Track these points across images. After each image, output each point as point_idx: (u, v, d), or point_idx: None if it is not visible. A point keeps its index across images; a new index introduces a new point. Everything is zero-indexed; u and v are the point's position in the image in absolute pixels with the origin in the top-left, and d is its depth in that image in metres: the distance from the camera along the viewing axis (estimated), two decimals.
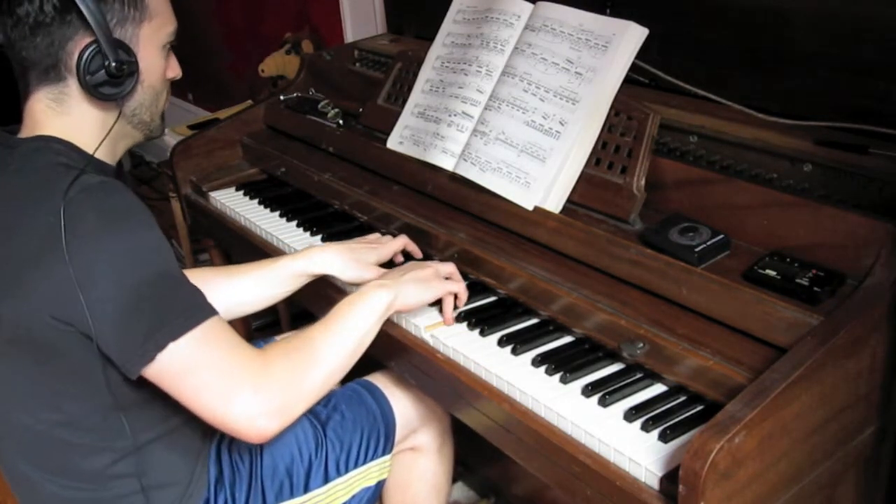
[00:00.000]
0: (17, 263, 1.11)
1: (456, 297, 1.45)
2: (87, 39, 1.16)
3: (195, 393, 1.12)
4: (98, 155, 1.23)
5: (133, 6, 1.20)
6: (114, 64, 1.17)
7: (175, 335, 1.10)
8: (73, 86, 1.20)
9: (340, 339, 1.26)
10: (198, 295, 1.15)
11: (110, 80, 1.18)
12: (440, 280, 1.41)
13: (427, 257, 1.62)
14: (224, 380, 1.12)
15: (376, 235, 1.61)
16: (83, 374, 1.15)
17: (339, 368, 1.25)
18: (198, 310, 1.13)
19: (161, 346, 1.09)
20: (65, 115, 1.21)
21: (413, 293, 1.36)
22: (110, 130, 1.24)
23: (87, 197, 1.10)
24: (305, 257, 1.49)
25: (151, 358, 1.09)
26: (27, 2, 1.14)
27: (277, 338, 1.69)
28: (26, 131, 1.23)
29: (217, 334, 1.14)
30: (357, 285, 1.43)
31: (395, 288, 1.34)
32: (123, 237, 1.10)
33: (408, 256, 1.60)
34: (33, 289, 1.10)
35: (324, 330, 1.26)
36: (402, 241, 1.56)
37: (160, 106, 1.30)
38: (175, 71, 1.31)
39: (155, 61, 1.26)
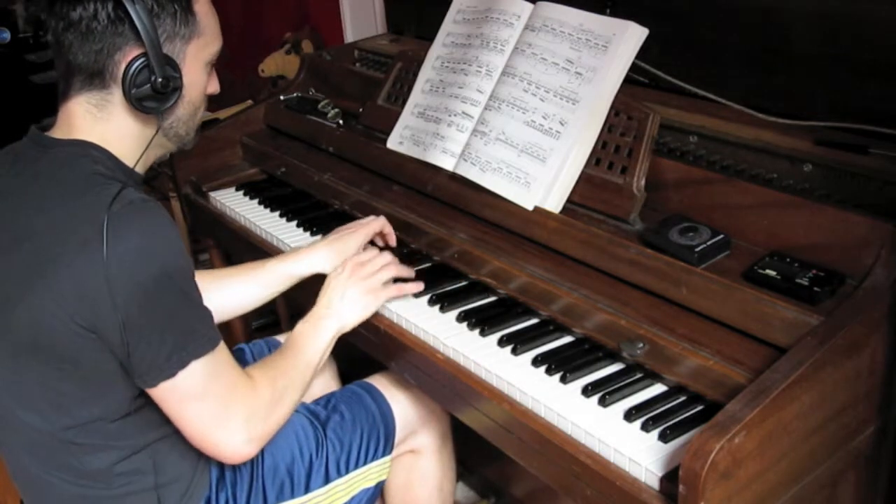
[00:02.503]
0: (45, 267, 1.11)
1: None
2: (136, 51, 1.17)
3: (194, 416, 1.19)
4: (132, 164, 1.24)
5: (184, 23, 1.20)
6: (160, 80, 1.17)
7: (199, 355, 1.15)
8: (116, 94, 1.19)
9: (305, 368, 1.36)
10: (211, 317, 1.20)
11: (155, 94, 1.19)
12: (378, 290, 1.47)
13: (427, 257, 1.63)
14: (223, 408, 1.20)
15: (365, 218, 1.65)
16: (95, 380, 1.16)
17: (304, 392, 1.36)
18: (215, 333, 1.19)
19: (185, 364, 1.14)
20: (104, 122, 1.21)
21: (357, 314, 1.45)
22: (149, 144, 1.25)
23: (128, 213, 1.11)
24: (293, 259, 1.57)
25: (173, 374, 1.14)
26: (81, 7, 1.14)
27: (279, 337, 1.70)
28: (61, 132, 1.22)
29: (225, 360, 1.21)
30: None
31: (341, 316, 1.43)
32: (158, 258, 1.12)
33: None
34: (62, 294, 1.10)
35: (293, 360, 1.35)
36: (381, 223, 1.62)
37: (197, 120, 1.31)
38: (214, 87, 1.32)
39: (198, 78, 1.26)
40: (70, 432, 1.20)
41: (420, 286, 1.50)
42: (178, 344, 1.13)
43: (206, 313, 1.19)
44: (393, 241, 1.65)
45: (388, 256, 1.52)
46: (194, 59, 1.24)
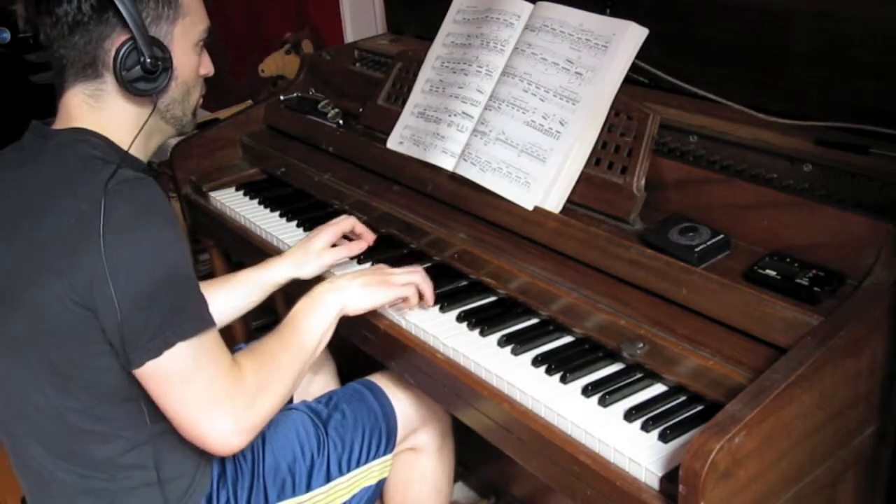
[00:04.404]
0: (47, 248, 1.14)
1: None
2: (124, 37, 1.20)
3: (178, 400, 1.17)
4: (131, 151, 1.26)
5: (167, 4, 1.23)
6: (149, 60, 1.20)
7: (185, 336, 1.14)
8: (109, 82, 1.23)
9: (299, 350, 1.32)
10: (205, 302, 1.20)
11: (145, 75, 1.22)
12: (391, 285, 1.42)
13: (427, 257, 1.63)
14: (209, 394, 1.17)
15: (336, 218, 1.64)
16: (97, 363, 1.17)
17: (301, 376, 1.32)
18: (206, 316, 1.18)
19: (170, 344, 1.13)
20: (100, 111, 1.24)
21: (362, 297, 1.39)
22: (144, 124, 1.27)
23: (123, 189, 1.13)
24: (265, 270, 1.57)
25: (158, 353, 1.13)
26: (66, 2, 1.18)
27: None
28: (60, 124, 1.25)
29: (213, 345, 1.19)
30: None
31: (345, 292, 1.38)
32: (153, 233, 1.14)
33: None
34: (61, 273, 1.12)
35: (285, 341, 1.32)
36: (350, 223, 1.61)
37: (192, 102, 1.34)
38: (207, 68, 1.35)
39: (188, 58, 1.29)
40: (76, 416, 1.20)
41: (432, 302, 1.45)
42: (165, 323, 1.13)
43: (198, 295, 1.19)
44: (370, 240, 1.62)
45: (420, 277, 1.47)
46: (182, 39, 1.26)
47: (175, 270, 1.15)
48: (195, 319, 1.16)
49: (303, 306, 1.36)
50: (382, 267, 1.47)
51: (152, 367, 1.14)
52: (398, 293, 1.42)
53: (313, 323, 1.34)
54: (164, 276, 1.13)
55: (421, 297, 1.45)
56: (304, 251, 1.57)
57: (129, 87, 1.21)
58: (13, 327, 1.18)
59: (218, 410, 1.18)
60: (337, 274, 1.57)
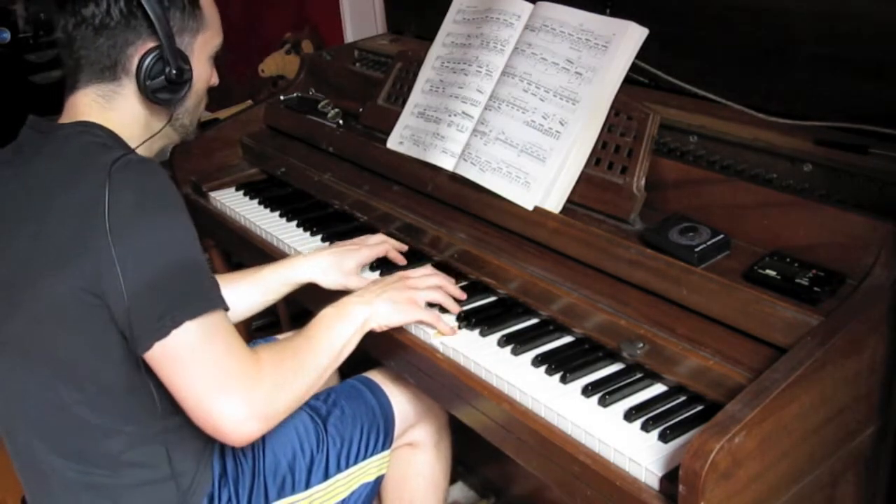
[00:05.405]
0: (56, 238, 1.14)
1: (454, 297, 1.47)
2: (149, 45, 1.20)
3: (191, 382, 1.14)
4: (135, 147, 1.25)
5: (192, 17, 1.25)
6: (174, 71, 1.21)
7: (193, 315, 1.12)
8: (127, 86, 1.23)
9: (322, 352, 1.30)
10: (216, 284, 1.19)
11: (168, 85, 1.23)
12: (415, 306, 1.40)
13: (427, 258, 1.63)
14: (221, 375, 1.14)
15: (373, 237, 1.63)
16: (104, 353, 1.16)
17: (320, 378, 1.29)
18: (216, 297, 1.17)
19: (178, 323, 1.11)
20: (110, 111, 1.24)
21: (387, 314, 1.38)
22: (159, 132, 1.28)
23: (128, 173, 1.13)
24: (289, 266, 1.56)
25: (166, 333, 1.11)
26: (93, 3, 1.18)
27: (279, 336, 1.70)
28: (65, 119, 1.25)
29: (225, 327, 1.17)
30: (340, 292, 1.47)
31: (372, 306, 1.37)
32: (160, 217, 1.14)
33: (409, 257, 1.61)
34: (69, 262, 1.12)
35: (308, 342, 1.30)
36: (386, 248, 1.59)
37: (200, 111, 1.36)
38: (215, 79, 1.37)
39: (204, 71, 1.31)
40: (81, 409, 1.20)
41: (455, 331, 1.42)
42: (172, 303, 1.11)
43: (208, 277, 1.18)
44: (402, 262, 1.61)
45: (440, 280, 1.47)
46: (201, 51, 1.28)
47: (183, 254, 1.15)
48: (204, 299, 1.14)
49: (330, 312, 1.35)
50: (404, 275, 1.45)
51: (160, 348, 1.11)
52: (423, 317, 1.40)
53: (339, 328, 1.33)
54: (172, 259, 1.13)
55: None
56: (336, 262, 1.53)
57: (151, 96, 1.22)
58: (16, 325, 1.18)
59: (231, 393, 1.14)
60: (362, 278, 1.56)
